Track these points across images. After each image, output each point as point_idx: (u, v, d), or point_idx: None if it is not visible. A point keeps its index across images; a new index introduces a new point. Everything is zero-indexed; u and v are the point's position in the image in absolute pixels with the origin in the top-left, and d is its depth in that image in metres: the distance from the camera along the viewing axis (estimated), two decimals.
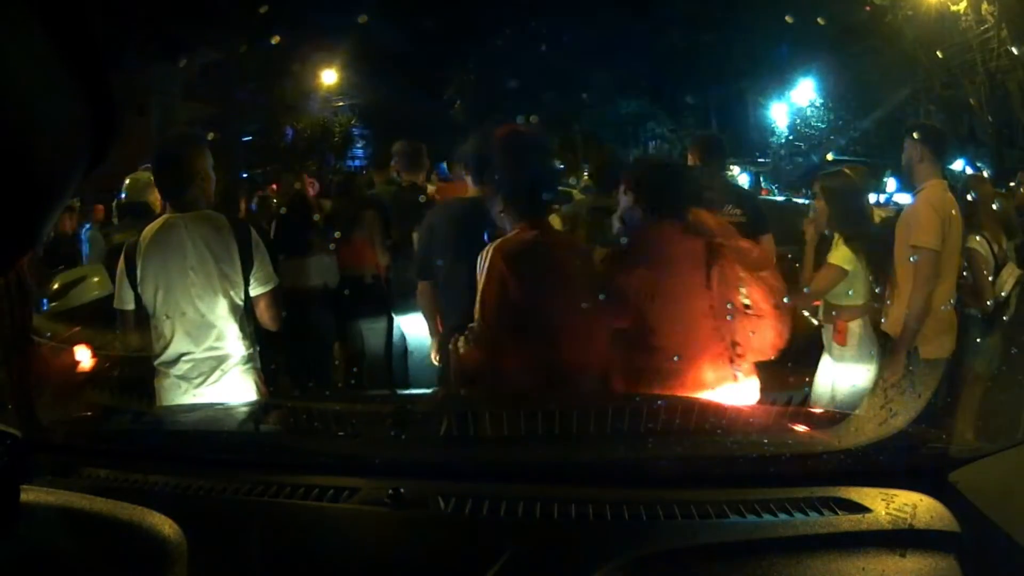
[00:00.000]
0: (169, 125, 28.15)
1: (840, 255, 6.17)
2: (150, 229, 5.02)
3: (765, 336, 4.62)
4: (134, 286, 4.95)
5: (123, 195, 8.13)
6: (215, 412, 4.28)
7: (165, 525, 2.16)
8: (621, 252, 4.76)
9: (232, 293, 4.95)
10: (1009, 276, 6.75)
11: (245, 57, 29.80)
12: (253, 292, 5.01)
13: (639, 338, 4.49)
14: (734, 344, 4.57)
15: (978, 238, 6.93)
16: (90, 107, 0.98)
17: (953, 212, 6.07)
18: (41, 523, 2.22)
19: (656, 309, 4.51)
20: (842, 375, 6.30)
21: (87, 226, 12.57)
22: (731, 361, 4.56)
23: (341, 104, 36.59)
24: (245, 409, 4.15)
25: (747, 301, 4.59)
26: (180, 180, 5.02)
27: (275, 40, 26.57)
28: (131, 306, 4.99)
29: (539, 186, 4.61)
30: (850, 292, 6.26)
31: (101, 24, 1.00)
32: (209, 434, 3.39)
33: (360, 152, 37.54)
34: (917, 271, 5.91)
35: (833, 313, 6.43)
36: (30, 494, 2.25)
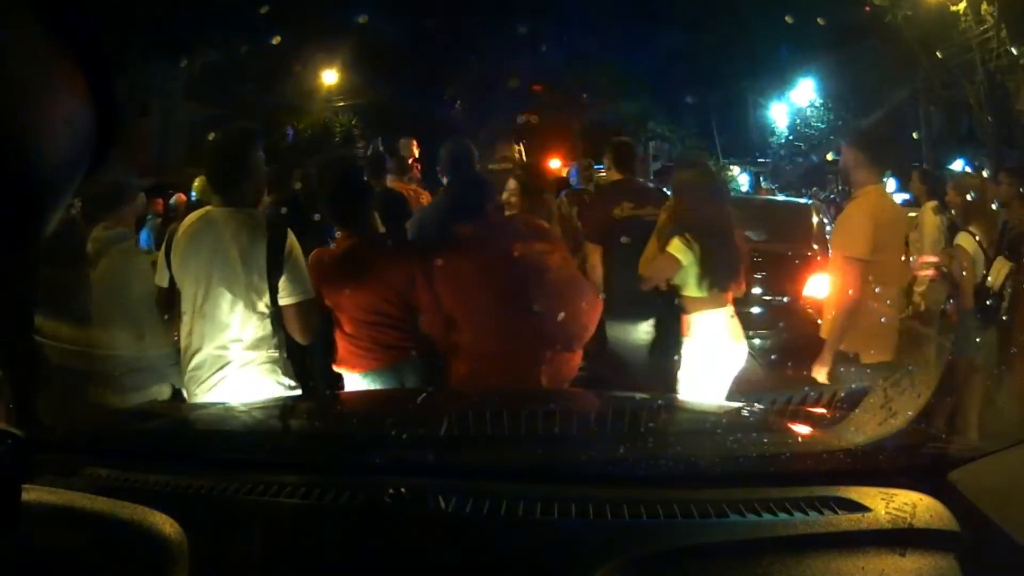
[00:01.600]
0: (170, 125, 28.20)
1: (673, 245, 6.16)
2: (189, 219, 5.05)
3: (572, 327, 5.06)
4: (168, 267, 4.97)
5: (193, 195, 8.27)
6: (216, 412, 4.27)
7: (166, 524, 2.17)
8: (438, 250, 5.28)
9: (254, 298, 4.84)
10: (1001, 268, 6.72)
11: (246, 57, 29.83)
12: (281, 301, 4.88)
13: (457, 329, 5.05)
14: (546, 333, 4.96)
15: (976, 237, 6.92)
16: (93, 108, 0.98)
17: (892, 217, 6.12)
18: (43, 522, 2.22)
19: (467, 302, 5.00)
20: (687, 368, 6.38)
21: (148, 216, 13.09)
22: (543, 348, 4.99)
23: (342, 104, 36.61)
24: (246, 409, 4.14)
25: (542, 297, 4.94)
26: (230, 175, 4.99)
27: (276, 40, 26.58)
28: (165, 284, 5.01)
29: (352, 204, 5.62)
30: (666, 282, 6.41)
31: (103, 25, 1.00)
32: (210, 433, 3.39)
33: (362, 151, 37.57)
34: (843, 279, 5.99)
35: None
36: (32, 493, 2.26)
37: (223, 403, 4.67)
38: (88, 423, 3.81)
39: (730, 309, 6.32)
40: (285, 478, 2.42)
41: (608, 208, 7.18)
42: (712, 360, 6.26)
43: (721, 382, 6.27)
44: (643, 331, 7.00)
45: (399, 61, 32.18)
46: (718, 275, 6.19)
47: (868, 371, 5.86)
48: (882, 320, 5.96)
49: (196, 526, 2.17)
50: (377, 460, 2.58)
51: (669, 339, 6.74)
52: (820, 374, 6.00)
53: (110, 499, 2.31)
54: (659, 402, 4.16)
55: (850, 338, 5.98)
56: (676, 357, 6.49)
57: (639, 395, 4.43)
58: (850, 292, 5.89)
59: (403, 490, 2.25)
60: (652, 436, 3.09)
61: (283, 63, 31.25)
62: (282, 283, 4.85)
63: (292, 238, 4.98)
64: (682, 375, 6.35)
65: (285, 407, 4.25)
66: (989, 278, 6.53)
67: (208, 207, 5.02)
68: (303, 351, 5.32)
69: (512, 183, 7.37)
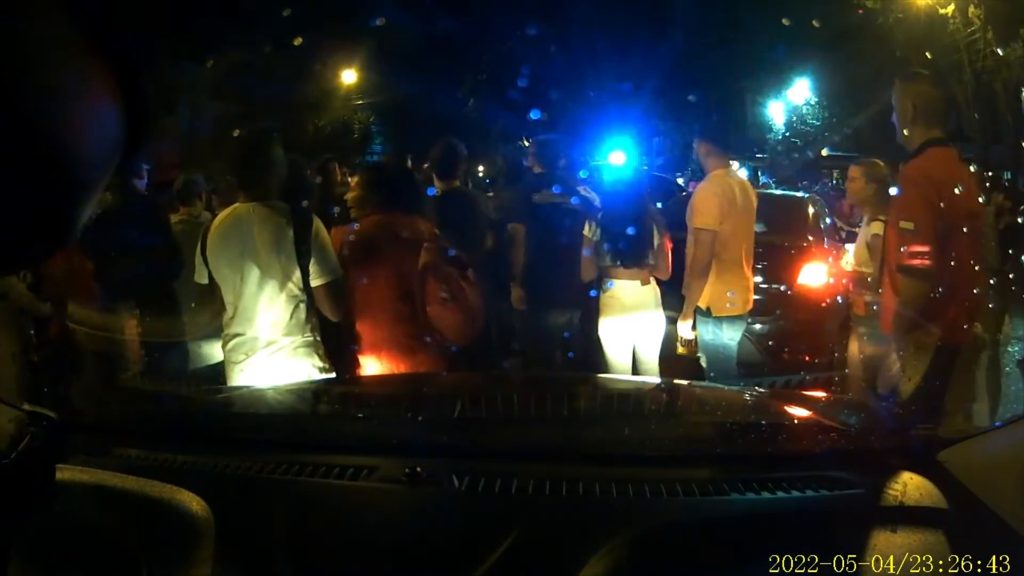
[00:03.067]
0: (196, 123, 28.23)
1: (585, 227, 7.10)
2: (221, 216, 5.13)
3: (456, 322, 5.31)
4: (206, 264, 5.02)
5: None
6: (241, 395, 4.29)
7: (193, 502, 2.17)
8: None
9: (286, 282, 4.93)
10: None
11: (269, 58, 29.82)
12: (312, 283, 4.98)
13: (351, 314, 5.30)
14: (428, 326, 5.24)
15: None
16: (123, 106, 0.98)
17: (737, 195, 6.83)
18: (75, 500, 2.23)
19: (359, 288, 5.30)
20: (603, 328, 7.26)
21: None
22: (423, 339, 5.23)
23: (360, 103, 36.59)
24: (270, 392, 4.15)
25: (445, 295, 5.23)
26: (254, 173, 5.08)
27: (297, 42, 26.59)
28: (205, 281, 5.06)
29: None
30: None
31: (133, 26, 1.00)
32: (235, 415, 3.39)
33: (379, 148, 37.62)
34: (696, 246, 6.67)
35: None
36: (65, 473, 2.26)
37: (248, 386, 4.71)
38: (119, 405, 3.82)
39: (639, 283, 7.05)
40: (306, 458, 2.42)
41: (529, 194, 7.67)
42: (623, 321, 7.03)
43: (635, 341, 7.11)
44: (559, 305, 7.54)
45: (415, 61, 32.20)
46: (616, 251, 6.95)
47: (721, 323, 6.74)
48: (732, 279, 6.75)
49: (222, 504, 2.17)
50: (395, 441, 2.59)
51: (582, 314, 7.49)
52: (684, 329, 6.85)
53: (140, 478, 2.31)
54: (661, 386, 4.17)
55: (705, 295, 6.73)
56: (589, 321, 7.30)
57: (643, 380, 4.44)
58: (701, 257, 6.63)
59: (419, 469, 2.25)
60: (655, 418, 3.10)
61: (304, 63, 31.27)
62: (312, 266, 4.95)
63: (318, 223, 5.09)
64: (601, 332, 7.17)
65: (307, 391, 4.26)
66: None
67: (236, 204, 5.06)
68: (337, 331, 5.39)
69: None
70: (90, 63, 0.93)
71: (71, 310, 5.57)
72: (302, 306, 4.99)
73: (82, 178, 0.95)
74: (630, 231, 6.86)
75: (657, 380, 5.31)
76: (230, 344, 5.03)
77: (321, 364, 5.10)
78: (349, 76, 34.08)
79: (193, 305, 5.21)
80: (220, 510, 2.15)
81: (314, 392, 4.15)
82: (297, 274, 4.94)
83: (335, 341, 5.41)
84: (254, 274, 4.89)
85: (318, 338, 5.13)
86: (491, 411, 2.96)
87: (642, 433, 2.73)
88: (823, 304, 8.43)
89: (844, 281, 7.05)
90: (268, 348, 4.96)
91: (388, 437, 2.63)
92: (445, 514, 2.20)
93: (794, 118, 40.99)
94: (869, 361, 6.29)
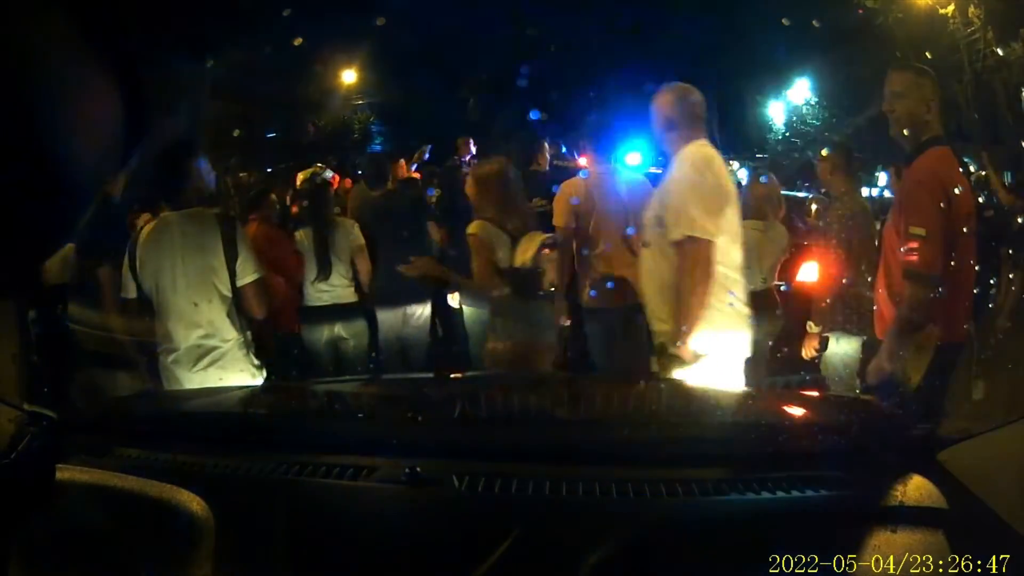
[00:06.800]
0: (196, 124, 28.26)
1: None
2: (147, 227, 5.21)
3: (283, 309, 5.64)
4: (135, 277, 5.09)
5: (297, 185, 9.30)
6: (240, 394, 4.29)
7: (193, 502, 2.17)
8: None
9: (219, 285, 5.06)
10: (529, 245, 6.89)
11: (269, 58, 29.82)
12: (239, 282, 5.11)
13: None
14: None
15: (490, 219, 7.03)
16: (122, 108, 0.98)
17: (593, 196, 7.12)
18: (75, 501, 2.23)
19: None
20: None
21: None
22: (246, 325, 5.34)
23: (360, 102, 36.57)
24: (270, 392, 4.16)
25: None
26: (175, 181, 5.20)
27: (297, 41, 26.60)
28: (133, 295, 5.12)
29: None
30: None
31: (132, 27, 1.00)
32: (235, 415, 3.39)
33: (378, 148, 37.62)
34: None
35: None
36: (65, 473, 2.27)
37: (248, 386, 4.72)
38: (119, 405, 3.82)
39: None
40: (306, 458, 2.42)
41: None
42: None
43: None
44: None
45: (416, 61, 32.22)
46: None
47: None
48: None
49: (222, 503, 2.17)
50: (394, 441, 2.58)
51: None
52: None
53: (139, 478, 2.31)
54: (661, 387, 4.17)
55: None
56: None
57: (642, 380, 4.43)
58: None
59: (419, 469, 2.25)
60: (655, 419, 3.09)
61: (305, 63, 31.25)
62: (238, 266, 5.10)
63: (240, 226, 5.31)
64: None
65: (307, 390, 4.26)
66: (517, 257, 6.60)
67: (162, 215, 5.23)
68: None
69: None
70: (89, 65, 0.93)
71: (71, 310, 5.57)
72: (231, 308, 5.14)
73: (82, 178, 0.95)
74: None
75: (657, 380, 5.31)
76: (171, 356, 5.11)
77: (256, 362, 5.26)
78: (349, 76, 34.07)
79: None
80: (220, 510, 2.15)
81: (314, 392, 4.16)
82: (226, 276, 5.08)
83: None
84: (184, 279, 5.03)
85: (249, 336, 5.29)
86: (491, 411, 2.96)
87: (642, 433, 2.72)
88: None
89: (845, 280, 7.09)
90: (212, 352, 5.08)
91: (388, 437, 2.63)
92: (445, 514, 2.20)
93: (794, 118, 40.92)
94: None
